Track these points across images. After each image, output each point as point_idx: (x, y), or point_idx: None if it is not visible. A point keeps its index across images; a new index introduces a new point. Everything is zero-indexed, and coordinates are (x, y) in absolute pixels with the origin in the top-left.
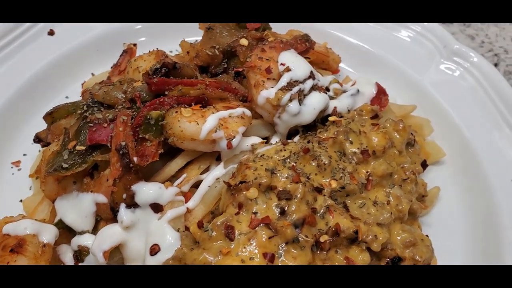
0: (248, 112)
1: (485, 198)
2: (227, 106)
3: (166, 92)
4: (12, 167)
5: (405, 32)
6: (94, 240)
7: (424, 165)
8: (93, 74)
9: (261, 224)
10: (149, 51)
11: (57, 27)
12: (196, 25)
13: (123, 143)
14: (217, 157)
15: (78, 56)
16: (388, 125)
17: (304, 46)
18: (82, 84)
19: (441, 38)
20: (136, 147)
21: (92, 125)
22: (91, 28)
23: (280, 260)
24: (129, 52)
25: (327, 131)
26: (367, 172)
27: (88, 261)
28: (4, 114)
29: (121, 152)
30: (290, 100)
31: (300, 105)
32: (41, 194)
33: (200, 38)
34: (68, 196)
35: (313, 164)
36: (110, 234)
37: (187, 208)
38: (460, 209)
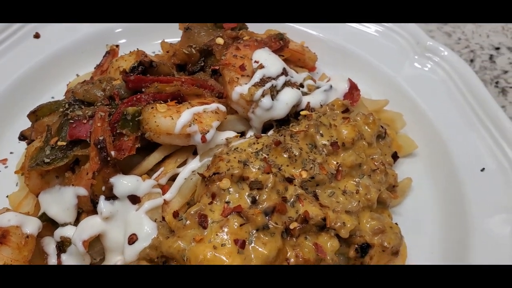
0: (222, 107)
1: (455, 188)
2: (202, 102)
3: (143, 89)
4: None
5: (380, 28)
6: (75, 231)
7: (395, 156)
8: (78, 75)
9: (233, 213)
10: (130, 52)
11: (42, 30)
12: (177, 26)
13: (101, 138)
14: (194, 151)
15: (63, 58)
16: (358, 118)
17: (278, 44)
18: (67, 84)
19: (414, 34)
20: (114, 141)
21: (72, 121)
22: (76, 30)
23: (251, 246)
24: (111, 53)
25: (299, 124)
26: (337, 163)
27: (70, 251)
28: None
29: (99, 146)
30: (263, 95)
31: (273, 100)
32: (26, 189)
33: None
34: (51, 190)
35: (285, 156)
36: (90, 225)
37: (165, 200)
38: (431, 199)
